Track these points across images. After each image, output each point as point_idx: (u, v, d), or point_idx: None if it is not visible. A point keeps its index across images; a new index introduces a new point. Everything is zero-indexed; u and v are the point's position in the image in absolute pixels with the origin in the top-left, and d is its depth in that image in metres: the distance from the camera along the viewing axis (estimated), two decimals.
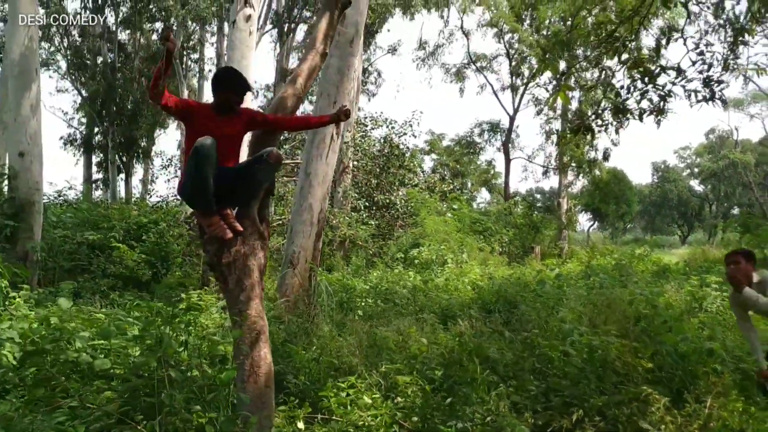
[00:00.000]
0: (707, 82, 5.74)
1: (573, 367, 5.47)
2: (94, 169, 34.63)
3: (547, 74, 28.68)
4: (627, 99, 5.86)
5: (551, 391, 5.23)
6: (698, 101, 5.74)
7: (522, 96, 35.47)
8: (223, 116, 4.37)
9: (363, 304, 9.56)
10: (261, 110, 4.62)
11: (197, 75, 34.77)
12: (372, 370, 5.33)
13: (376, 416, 4.02)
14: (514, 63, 35.11)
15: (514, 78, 35.69)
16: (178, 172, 25.78)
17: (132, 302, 9.41)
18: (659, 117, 5.99)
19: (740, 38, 5.68)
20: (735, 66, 5.78)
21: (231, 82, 4.42)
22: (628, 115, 5.96)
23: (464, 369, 4.40)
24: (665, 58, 6.07)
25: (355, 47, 10.04)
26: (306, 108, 25.44)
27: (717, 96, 5.71)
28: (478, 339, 6.17)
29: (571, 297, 9.53)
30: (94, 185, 33.80)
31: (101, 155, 34.54)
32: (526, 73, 34.93)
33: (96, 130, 33.23)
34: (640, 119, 5.92)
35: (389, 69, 59.45)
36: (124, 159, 34.22)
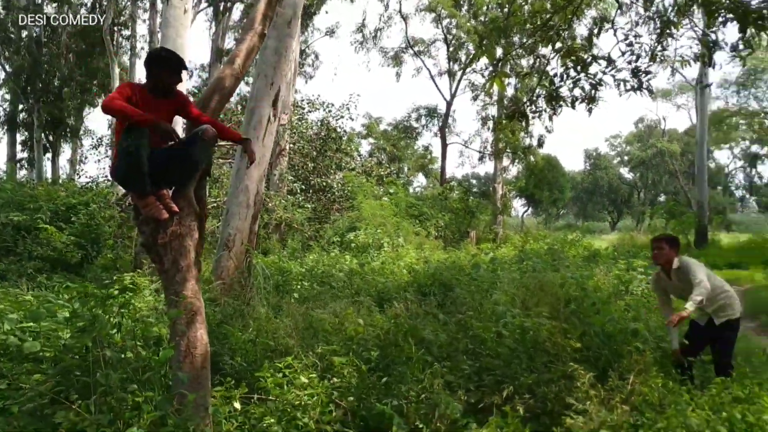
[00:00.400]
0: (635, 73, 5.97)
1: (505, 348, 5.63)
2: (19, 148, 33.43)
3: (484, 60, 29.03)
4: (560, 86, 6.03)
5: (484, 370, 5.38)
6: (627, 90, 5.97)
7: (459, 81, 35.82)
8: (158, 97, 4.31)
9: (299, 287, 9.54)
10: (192, 100, 4.53)
11: (129, 52, 33.78)
12: (308, 352, 5.36)
13: (312, 395, 4.07)
14: (451, 48, 35.37)
15: (451, 63, 35.97)
16: (110, 152, 25.11)
17: (61, 285, 9.17)
18: (590, 105, 6.19)
19: (667, 30, 5.91)
20: (662, 57, 6.01)
21: (165, 62, 4.35)
22: (561, 103, 6.13)
23: (400, 349, 4.47)
24: (597, 47, 6.26)
25: (293, 28, 9.96)
26: (243, 89, 25.05)
27: (644, 86, 5.95)
28: (413, 321, 6.26)
29: (505, 280, 9.73)
30: (18, 165, 32.61)
31: (26, 134, 33.38)
32: (464, 58, 35.23)
33: (21, 107, 32.02)
34: (573, 106, 6.11)
35: (327, 51, 59.31)
36: (51, 138, 33.13)
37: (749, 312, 12.83)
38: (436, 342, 6.01)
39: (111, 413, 3.11)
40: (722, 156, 75.32)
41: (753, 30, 5.15)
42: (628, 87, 5.97)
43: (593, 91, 6.05)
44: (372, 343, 5.62)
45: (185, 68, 4.48)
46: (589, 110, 6.19)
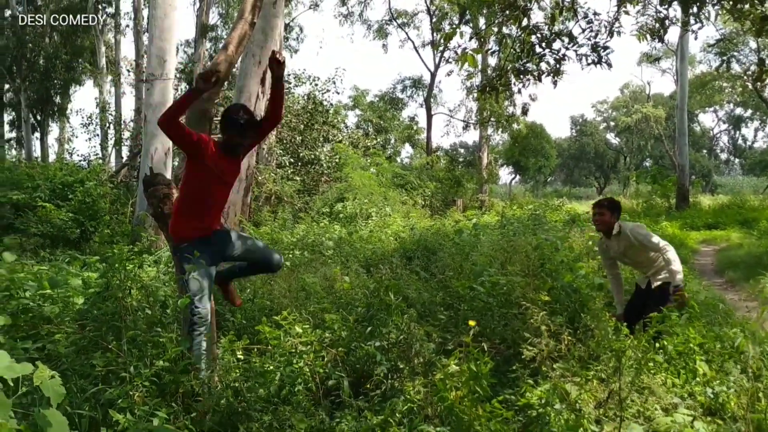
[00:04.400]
0: (595, 48, 6.46)
1: (480, 302, 6.18)
2: (7, 128, 33.69)
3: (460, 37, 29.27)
4: (527, 62, 6.52)
5: (460, 321, 5.94)
6: (588, 64, 6.47)
7: (443, 52, 36.04)
8: (228, 157, 4.56)
9: (291, 255, 9.98)
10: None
11: (113, 30, 33.92)
12: (301, 310, 5.90)
13: (306, 344, 4.60)
14: (434, 19, 35.59)
15: (434, 34, 36.17)
16: (98, 130, 25.37)
17: (63, 259, 9.66)
18: (555, 78, 6.70)
19: (623, 8, 6.40)
20: (619, 32, 6.50)
21: (234, 125, 4.48)
22: (529, 77, 6.63)
23: (382, 301, 5.00)
24: (562, 23, 6.76)
25: (279, 8, 10.39)
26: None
27: (603, 60, 6.45)
28: (397, 280, 6.81)
29: (486, 244, 10.25)
30: (7, 144, 32.90)
31: (13, 113, 33.60)
32: (447, 28, 35.43)
33: (7, 86, 32.20)
34: (539, 80, 6.61)
35: (311, 25, 59.13)
36: (39, 117, 33.36)
37: (719, 268, 13.54)
38: (418, 300, 6.58)
39: (139, 352, 3.66)
40: (707, 119, 75.67)
41: (696, 8, 5.66)
42: (589, 61, 6.48)
43: (557, 65, 6.55)
44: (359, 302, 6.18)
45: (257, 126, 4.69)
46: (554, 83, 6.70)
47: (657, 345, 4.78)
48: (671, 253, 5.76)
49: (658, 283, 5.93)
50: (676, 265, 5.69)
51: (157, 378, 3.60)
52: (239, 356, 4.64)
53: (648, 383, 4.12)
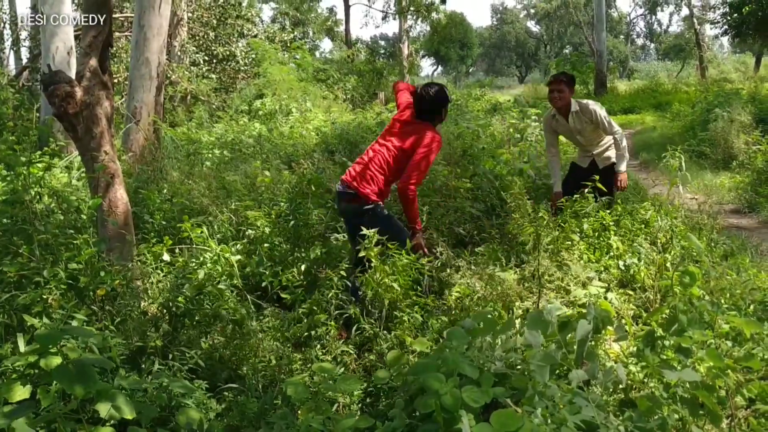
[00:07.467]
0: None
1: None
2: None
3: None
4: None
5: None
6: None
7: None
8: None
9: (210, 155, 9.70)
10: None
11: None
12: (223, 209, 5.80)
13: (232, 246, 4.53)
14: None
15: None
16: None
17: None
18: None
19: None
20: None
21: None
22: None
23: (305, 195, 4.96)
24: None
25: None
26: None
27: None
28: (319, 174, 6.74)
29: None
30: None
31: None
32: None
33: None
34: None
35: None
36: None
37: (635, 151, 14.01)
38: None
39: (53, 256, 3.52)
40: (624, 4, 76.28)
41: None
42: None
43: None
44: (281, 198, 6.11)
45: None
46: None
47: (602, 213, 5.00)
48: (624, 140, 5.89)
49: (607, 163, 6.03)
50: (626, 152, 5.94)
51: (74, 281, 3.50)
52: (165, 258, 4.53)
53: (566, 260, 4.27)
